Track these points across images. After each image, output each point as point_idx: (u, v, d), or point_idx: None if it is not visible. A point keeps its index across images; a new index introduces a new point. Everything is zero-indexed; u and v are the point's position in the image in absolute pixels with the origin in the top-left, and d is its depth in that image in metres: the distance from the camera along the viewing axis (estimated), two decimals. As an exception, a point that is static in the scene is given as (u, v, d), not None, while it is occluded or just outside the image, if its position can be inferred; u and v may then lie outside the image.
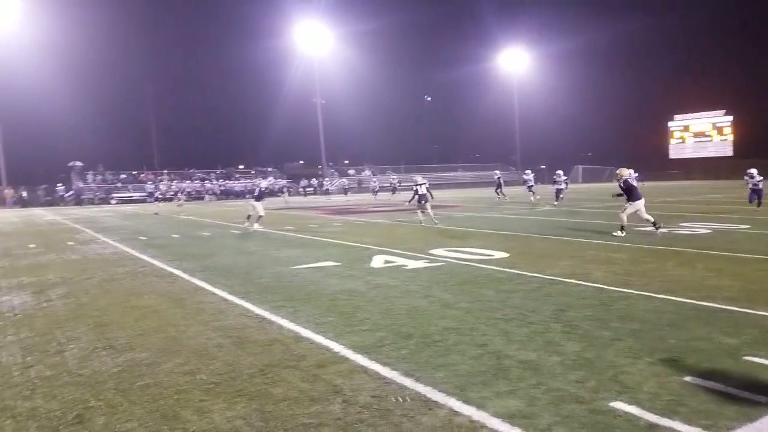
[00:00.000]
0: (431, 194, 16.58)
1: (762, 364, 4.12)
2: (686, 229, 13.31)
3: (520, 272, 8.05)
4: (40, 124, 53.66)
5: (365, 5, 71.69)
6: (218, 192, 51.77)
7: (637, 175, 20.98)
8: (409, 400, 3.64)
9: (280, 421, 3.39)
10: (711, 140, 68.71)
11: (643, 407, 3.43)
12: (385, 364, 4.34)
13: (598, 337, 4.89)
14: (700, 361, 4.21)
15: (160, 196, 31.83)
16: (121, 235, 16.32)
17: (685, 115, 71.01)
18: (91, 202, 45.71)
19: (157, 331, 5.51)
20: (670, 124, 72.68)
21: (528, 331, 5.11)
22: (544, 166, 63.94)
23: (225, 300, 6.83)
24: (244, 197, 39.79)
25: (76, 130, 56.01)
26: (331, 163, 64.22)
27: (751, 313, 5.52)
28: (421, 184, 16.29)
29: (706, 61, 71.38)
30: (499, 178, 29.57)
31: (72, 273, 9.26)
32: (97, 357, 4.75)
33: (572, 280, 7.39)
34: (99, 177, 50.90)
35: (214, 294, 7.21)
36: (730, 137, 66.75)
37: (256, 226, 16.35)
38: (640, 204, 12.05)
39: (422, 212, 16.35)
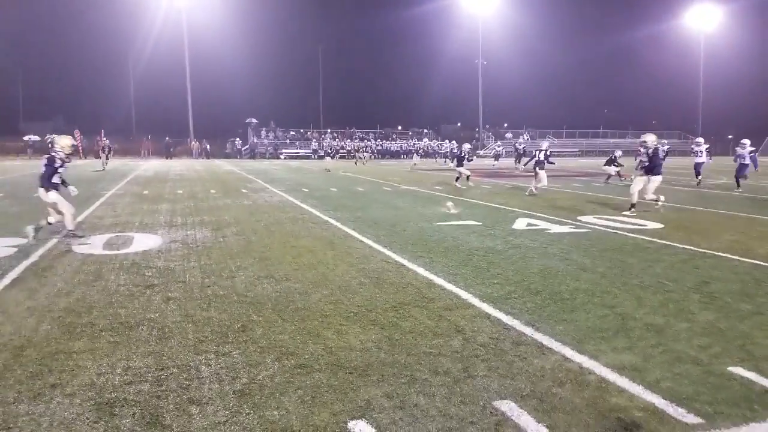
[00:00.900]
0: (549, 161, 15.75)
1: None
2: None
3: (671, 243, 7.63)
4: (222, 85, 60.30)
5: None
6: (376, 152, 54.03)
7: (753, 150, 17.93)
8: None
9: (404, 348, 3.87)
10: None
11: (763, 374, 3.35)
12: (508, 313, 4.61)
13: (737, 310, 4.66)
14: None
15: (330, 152, 34.01)
16: (286, 186, 18.15)
17: None
18: (263, 156, 50.61)
19: (310, 267, 6.32)
20: None
21: (662, 299, 5.00)
22: (731, 137, 56.48)
23: (370, 247, 7.51)
24: (407, 157, 40.89)
25: (253, 90, 61.97)
26: (487, 126, 63.29)
27: None
28: (542, 150, 15.62)
29: None
30: (523, 147, 28.10)
31: (244, 215, 10.70)
32: (260, 284, 5.64)
33: (727, 254, 6.89)
34: (271, 133, 55.93)
35: (361, 241, 7.94)
36: None
37: (469, 184, 17.84)
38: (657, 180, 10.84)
39: (535, 178, 15.52)
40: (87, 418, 2.87)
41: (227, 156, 50.96)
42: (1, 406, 2.99)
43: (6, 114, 61.15)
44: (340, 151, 45.88)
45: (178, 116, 52.90)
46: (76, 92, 62.16)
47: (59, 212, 7.83)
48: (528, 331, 4.20)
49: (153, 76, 57.46)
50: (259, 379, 3.36)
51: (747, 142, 18.06)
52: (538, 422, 2.87)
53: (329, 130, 58.55)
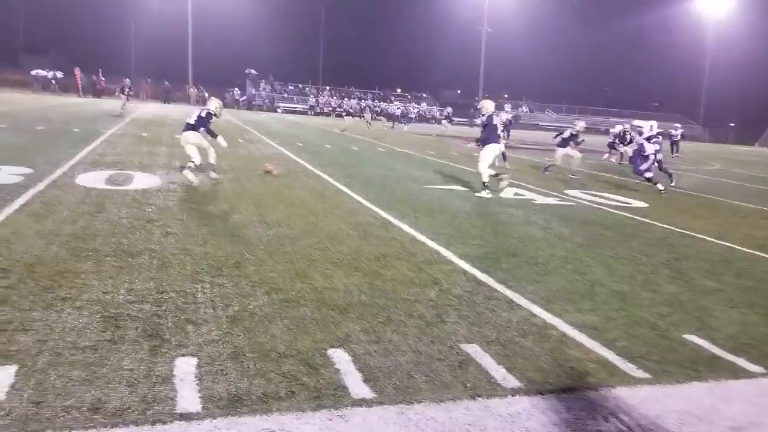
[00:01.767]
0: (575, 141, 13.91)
1: None
2: None
3: (652, 222, 7.97)
4: (224, 34, 59.17)
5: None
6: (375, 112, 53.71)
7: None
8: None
9: (384, 293, 4.19)
10: None
11: (714, 343, 3.70)
12: (484, 271, 4.93)
13: (702, 286, 5.01)
14: (803, 324, 4.22)
15: (352, 111, 32.61)
16: (282, 139, 18.27)
17: None
18: (260, 108, 50.25)
19: (301, 216, 6.59)
20: None
21: (632, 270, 5.34)
22: (732, 125, 56.61)
23: (359, 203, 7.78)
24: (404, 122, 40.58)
25: (254, 42, 60.89)
26: (487, 95, 62.89)
27: None
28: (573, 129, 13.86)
29: None
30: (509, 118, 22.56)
31: (240, 164, 10.91)
32: (253, 227, 5.92)
33: (704, 236, 7.23)
34: (269, 86, 55.36)
35: (351, 197, 8.20)
36: None
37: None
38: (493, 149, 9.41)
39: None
40: (95, 328, 3.17)
41: (225, 105, 50.49)
42: (18, 311, 3.28)
43: (6, 47, 59.94)
44: (337, 110, 45.28)
45: (177, 62, 52.15)
46: (78, 30, 60.85)
47: (199, 149, 8.62)
48: (500, 288, 4.52)
49: (155, 20, 56.30)
50: (250, 308, 3.67)
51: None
52: (499, 364, 3.20)
53: (327, 88, 58.01)
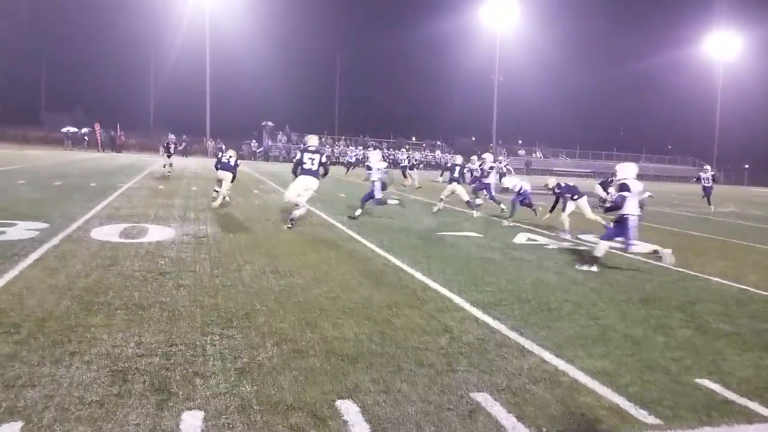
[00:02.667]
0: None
1: None
2: None
3: (665, 265, 7.85)
4: (241, 87, 61.16)
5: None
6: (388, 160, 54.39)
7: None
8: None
9: (394, 342, 4.16)
10: None
11: (728, 387, 3.61)
12: (496, 318, 4.89)
13: (716, 329, 4.91)
14: (828, 368, 4.09)
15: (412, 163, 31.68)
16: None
17: None
18: (276, 159, 51.16)
19: (314, 266, 6.62)
20: None
21: (645, 314, 5.26)
22: (747, 166, 56.28)
23: (372, 251, 7.81)
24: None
25: (271, 94, 62.72)
26: (500, 141, 63.54)
27: None
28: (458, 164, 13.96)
29: None
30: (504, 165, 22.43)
31: (254, 214, 11.06)
32: (265, 277, 5.95)
33: (718, 279, 7.12)
34: (285, 137, 56.54)
35: (364, 245, 8.24)
36: None
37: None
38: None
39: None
40: (103, 382, 3.18)
41: (241, 157, 51.52)
42: (27, 367, 3.32)
43: (28, 104, 62.39)
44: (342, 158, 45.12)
45: (195, 115, 53.70)
46: (97, 85, 63.25)
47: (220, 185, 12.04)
48: (512, 335, 4.47)
49: (174, 75, 58.44)
50: (259, 360, 3.66)
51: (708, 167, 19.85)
52: (509, 412, 3.14)
53: (343, 138, 59.07)
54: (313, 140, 10.13)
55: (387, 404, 3.15)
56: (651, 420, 3.16)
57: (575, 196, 10.65)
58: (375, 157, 12.58)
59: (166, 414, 2.88)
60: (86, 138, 45.69)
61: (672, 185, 40.40)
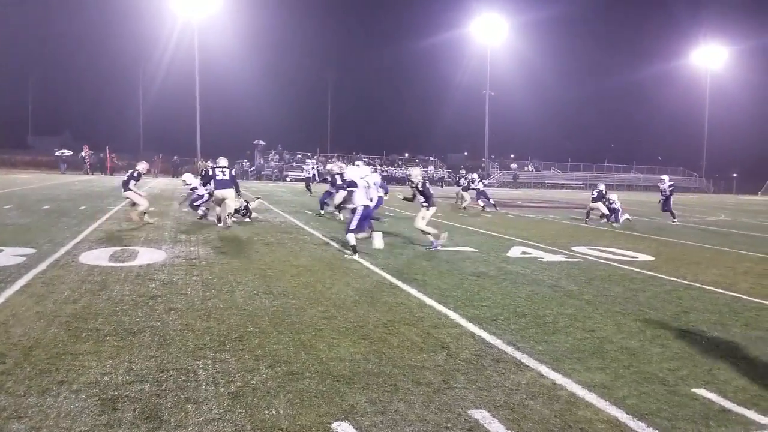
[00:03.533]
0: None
1: None
2: None
3: (658, 275, 7.90)
4: (232, 106, 61.39)
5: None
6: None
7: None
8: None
9: (390, 360, 4.11)
10: None
11: (724, 396, 3.60)
12: (492, 333, 4.86)
13: (711, 338, 4.92)
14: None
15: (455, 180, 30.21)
16: (290, 208, 18.49)
17: None
18: (269, 177, 51.15)
19: (308, 285, 6.57)
20: None
21: (640, 325, 5.25)
22: (735, 175, 56.89)
23: (367, 268, 7.77)
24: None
25: (262, 113, 63.06)
26: (492, 156, 63.92)
27: None
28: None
29: None
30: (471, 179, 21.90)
31: (247, 234, 11.00)
32: (258, 298, 5.90)
33: (711, 287, 7.17)
34: (277, 156, 56.59)
35: (358, 263, 8.20)
36: None
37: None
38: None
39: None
40: (91, 411, 3.12)
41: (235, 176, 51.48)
42: (13, 398, 3.24)
43: (15, 128, 62.24)
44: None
45: (186, 136, 53.74)
46: (85, 108, 63.41)
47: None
48: (509, 349, 4.44)
49: (163, 96, 58.69)
50: (252, 383, 3.60)
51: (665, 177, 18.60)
52: (508, 429, 3.10)
53: (335, 155, 59.21)
54: (222, 161, 12.33)
55: (384, 425, 3.10)
56: (649, 432, 3.13)
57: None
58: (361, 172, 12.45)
59: (157, 442, 2.82)
60: (86, 161, 45.20)
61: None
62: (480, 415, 3.26)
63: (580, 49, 73.79)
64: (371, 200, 9.83)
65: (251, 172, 52.56)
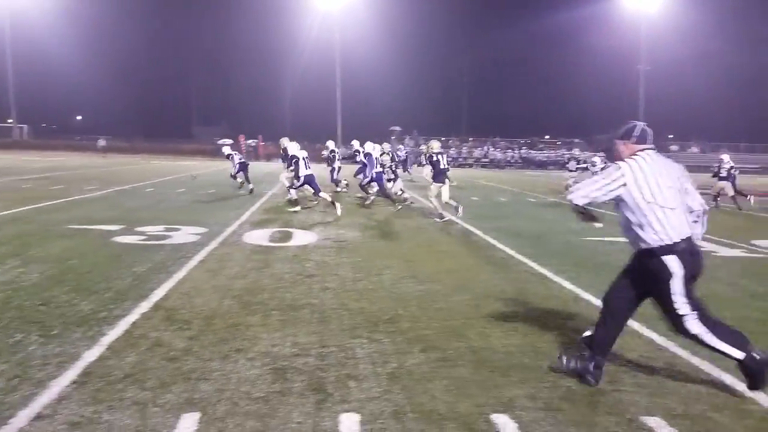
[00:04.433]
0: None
1: None
2: None
3: None
4: (370, 92, 63.22)
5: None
6: (519, 161, 52.99)
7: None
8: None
9: (547, 356, 3.98)
10: None
11: None
12: (662, 334, 4.46)
13: None
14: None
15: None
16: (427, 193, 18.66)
17: None
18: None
19: (452, 272, 6.59)
20: None
21: None
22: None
23: (512, 257, 7.60)
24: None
25: (398, 97, 64.16)
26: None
27: None
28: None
29: None
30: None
31: (389, 219, 11.31)
32: (405, 283, 6.03)
33: None
34: (413, 141, 57.32)
35: (503, 251, 8.05)
36: None
37: None
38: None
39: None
40: (266, 379, 3.41)
41: (372, 162, 53.20)
42: (200, 361, 3.65)
43: (180, 119, 70.06)
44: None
45: (328, 122, 56.52)
46: (239, 102, 69.35)
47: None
48: (683, 353, 4.08)
49: (306, 85, 62.16)
50: (407, 366, 3.70)
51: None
52: (690, 442, 2.86)
53: (471, 139, 58.56)
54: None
55: (547, 423, 3.02)
56: None
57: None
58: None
59: (324, 414, 3.00)
60: (253, 148, 49.26)
61: None
62: (654, 422, 3.04)
63: (757, 11, 64.73)
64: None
65: (389, 157, 53.84)
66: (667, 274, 3.34)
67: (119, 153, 47.08)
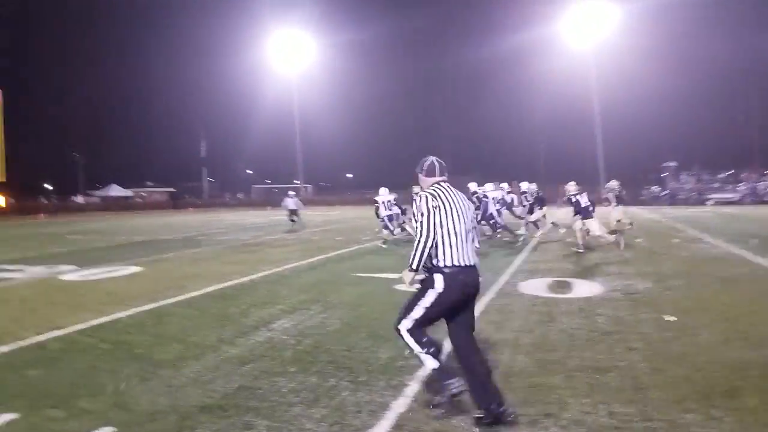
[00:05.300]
0: None
1: None
2: None
3: None
4: (636, 126, 58.67)
5: None
6: None
7: None
8: None
9: None
10: None
11: None
12: None
13: None
14: None
15: None
16: (727, 236, 16.09)
17: None
18: (685, 202, 46.42)
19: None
20: None
21: None
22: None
23: None
24: None
25: (671, 130, 58.16)
26: None
27: None
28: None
29: None
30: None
31: (685, 267, 9.91)
32: (733, 345, 5.06)
33: None
34: (693, 177, 51.08)
35: None
36: None
37: None
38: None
39: None
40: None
41: (641, 203, 48.87)
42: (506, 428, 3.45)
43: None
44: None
45: (588, 160, 54.06)
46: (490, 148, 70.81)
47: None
48: None
49: (562, 124, 60.57)
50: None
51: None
52: None
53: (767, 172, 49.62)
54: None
55: None
56: None
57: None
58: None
59: None
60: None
61: None
62: None
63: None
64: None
65: (663, 196, 48.82)
66: None
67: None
